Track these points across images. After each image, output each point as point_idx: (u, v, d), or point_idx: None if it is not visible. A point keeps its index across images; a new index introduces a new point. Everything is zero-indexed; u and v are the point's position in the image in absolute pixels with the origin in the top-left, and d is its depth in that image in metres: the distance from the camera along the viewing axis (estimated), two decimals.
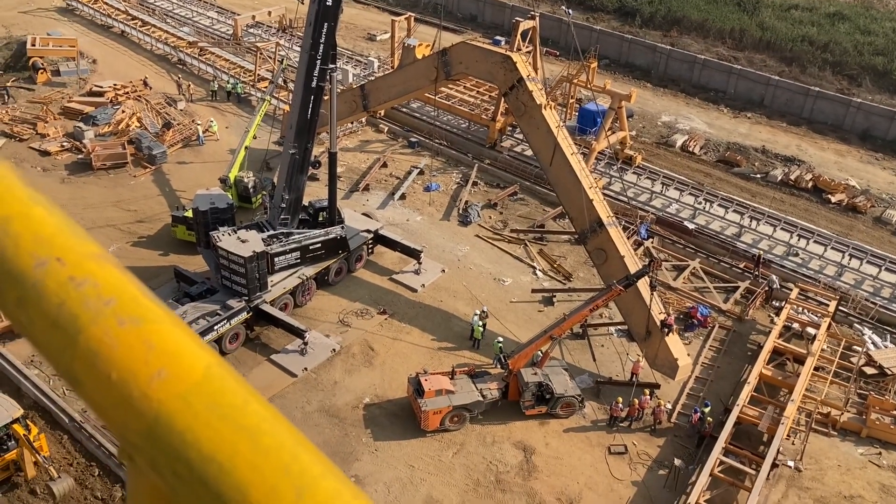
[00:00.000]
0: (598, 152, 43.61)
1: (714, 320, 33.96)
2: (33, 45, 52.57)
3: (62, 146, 43.77)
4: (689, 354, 30.52)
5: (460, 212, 40.55)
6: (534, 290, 35.19)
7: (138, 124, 46.25)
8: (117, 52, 57.73)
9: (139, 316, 1.06)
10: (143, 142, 43.42)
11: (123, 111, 46.98)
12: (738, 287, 35.93)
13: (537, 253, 37.99)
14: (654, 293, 29.17)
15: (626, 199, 39.93)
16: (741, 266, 37.29)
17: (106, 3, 64.42)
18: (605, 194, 35.36)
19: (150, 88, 51.03)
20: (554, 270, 36.91)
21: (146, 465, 1.05)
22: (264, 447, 1.01)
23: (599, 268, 31.98)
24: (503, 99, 39.70)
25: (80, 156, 42.98)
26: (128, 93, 49.70)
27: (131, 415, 1.02)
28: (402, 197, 41.66)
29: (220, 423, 1.01)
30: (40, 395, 27.52)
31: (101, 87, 49.95)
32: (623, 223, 35.83)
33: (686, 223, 40.08)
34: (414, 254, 35.56)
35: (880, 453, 28.06)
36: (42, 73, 51.44)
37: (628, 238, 33.88)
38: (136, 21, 61.62)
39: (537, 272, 36.63)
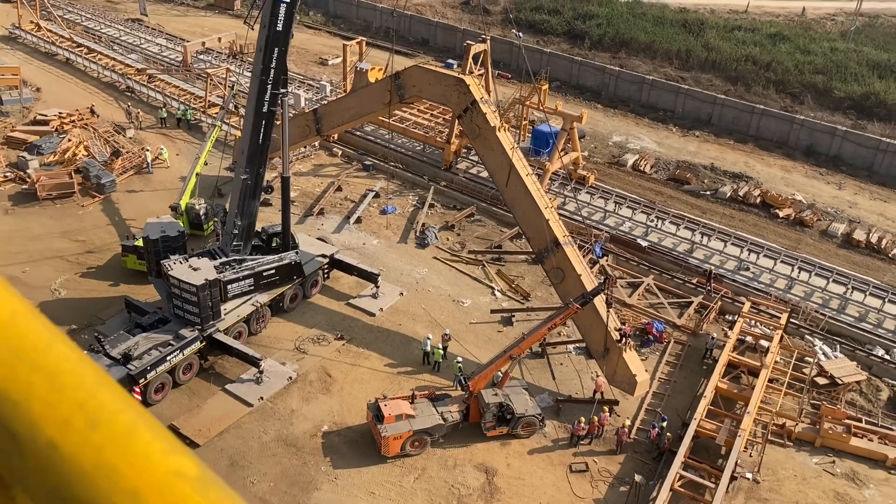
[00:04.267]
0: (553, 173, 44.04)
1: (669, 335, 34.34)
2: None
3: (5, 176, 42.59)
4: (646, 370, 30.75)
5: (417, 234, 40.47)
6: (493, 311, 35.19)
7: (86, 153, 45.30)
8: (62, 80, 56.66)
9: None
10: (91, 170, 42.52)
11: (70, 140, 46.00)
12: (692, 302, 36.41)
13: (495, 273, 38.04)
14: (611, 310, 29.39)
15: (580, 219, 40.33)
16: (694, 281, 37.84)
17: (50, 31, 63.31)
18: (560, 214, 35.68)
19: (98, 116, 50.11)
20: (512, 290, 36.98)
21: None
22: (61, 385, 1.06)
23: (557, 287, 32.15)
24: (457, 121, 39.92)
25: (24, 186, 41.87)
26: (74, 121, 48.69)
27: None
28: (358, 220, 41.44)
29: (18, 363, 1.06)
30: None
31: (46, 115, 48.88)
32: (578, 242, 36.12)
33: (639, 241, 40.61)
34: (371, 277, 35.30)
35: (834, 462, 28.53)
36: None
37: (584, 257, 34.17)
38: (82, 48, 60.63)
39: (496, 293, 36.66)
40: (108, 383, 1.12)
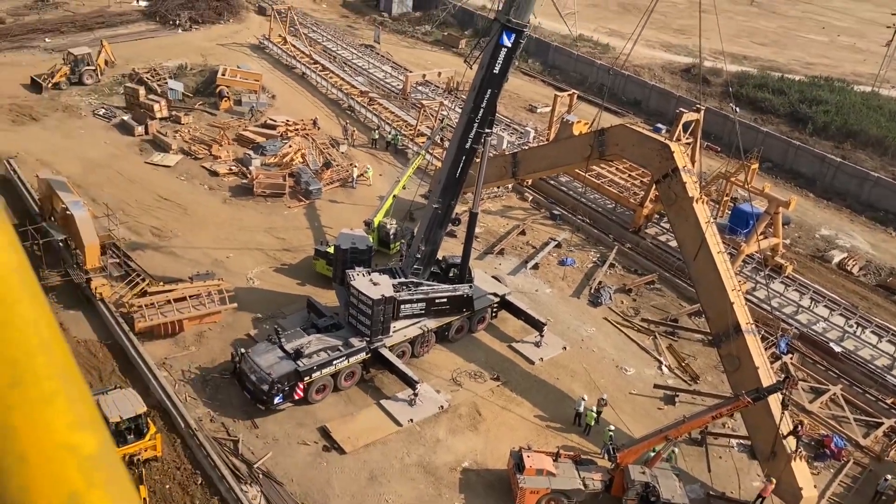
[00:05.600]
0: (747, 255, 41.85)
1: (849, 454, 31.22)
2: (223, 75, 57.29)
3: (230, 169, 47.06)
4: (815, 486, 28.14)
5: (592, 291, 39.86)
6: (656, 386, 33.81)
7: (301, 160, 49.02)
8: (295, 92, 61.83)
9: None
10: (303, 177, 45.91)
11: (290, 146, 49.99)
12: (882, 424, 32.94)
13: (666, 348, 36.58)
14: (786, 412, 27.28)
15: (769, 309, 37.92)
16: (889, 401, 34.23)
17: (294, 46, 69.46)
18: (747, 299, 33.77)
19: (319, 129, 54.14)
20: (681, 369, 35.36)
21: None
22: (4, 339, 1.10)
23: (730, 375, 30.36)
24: (654, 186, 39.11)
25: (244, 181, 46.00)
26: (297, 130, 52.91)
27: None
28: (535, 267, 41.52)
29: None
30: (164, 396, 29.03)
31: (275, 121, 53.51)
32: (762, 333, 33.95)
33: (832, 345, 37.41)
34: (537, 325, 35.18)
35: None
36: (226, 100, 55.86)
37: (766, 349, 32.02)
38: (317, 66, 65.91)
39: (663, 367, 35.22)
40: (52, 349, 1.14)
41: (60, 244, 34.69)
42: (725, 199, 46.47)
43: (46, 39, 65.39)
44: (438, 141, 49.13)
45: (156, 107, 52.14)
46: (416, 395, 30.20)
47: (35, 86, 55.15)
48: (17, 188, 42.01)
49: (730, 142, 52.30)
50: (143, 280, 34.67)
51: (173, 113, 53.25)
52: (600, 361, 35.01)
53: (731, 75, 68.10)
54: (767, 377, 28.60)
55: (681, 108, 46.75)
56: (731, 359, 29.87)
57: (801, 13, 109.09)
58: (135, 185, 44.41)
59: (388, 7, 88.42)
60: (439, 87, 65.24)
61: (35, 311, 1.17)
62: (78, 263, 34.18)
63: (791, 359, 36.13)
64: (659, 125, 55.06)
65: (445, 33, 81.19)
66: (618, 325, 37.71)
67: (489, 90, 30.49)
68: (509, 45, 29.58)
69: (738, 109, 46.34)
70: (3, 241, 1.23)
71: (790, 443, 27.43)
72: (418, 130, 54.44)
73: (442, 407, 30.61)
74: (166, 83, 56.72)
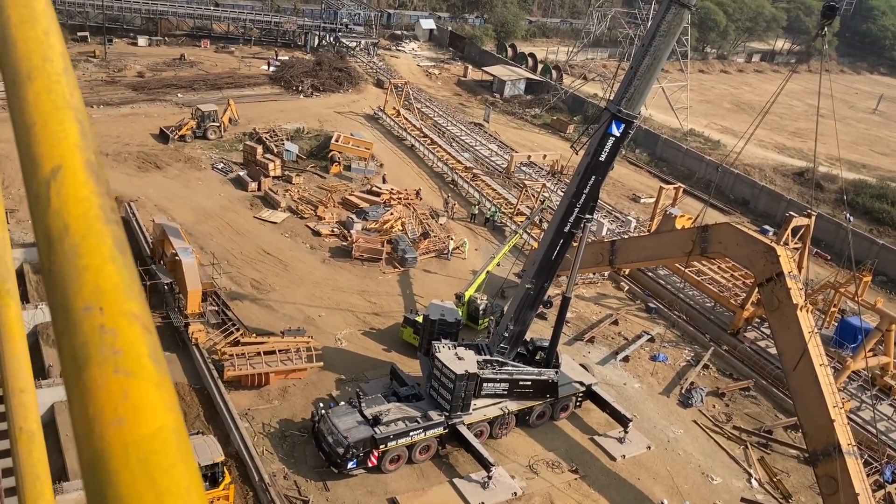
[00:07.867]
0: (853, 372, 39.48)
1: None
2: (336, 141, 59.70)
3: (332, 231, 48.48)
4: None
5: (683, 391, 38.36)
6: (743, 500, 31.86)
7: (401, 228, 50.06)
8: (402, 162, 63.67)
9: (132, 371, 1.27)
10: (400, 244, 46.79)
11: (392, 213, 51.20)
12: None
13: (757, 460, 34.57)
14: None
15: (874, 432, 35.43)
16: None
17: (406, 119, 71.90)
18: (850, 419, 31.71)
19: (421, 199, 55.33)
20: (772, 484, 33.25)
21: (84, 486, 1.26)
22: (162, 490, 1.21)
23: (826, 498, 28.33)
24: (757, 289, 37.76)
25: (344, 243, 47.24)
26: (400, 199, 54.24)
27: (86, 445, 1.23)
28: (626, 359, 40.42)
29: (139, 471, 1.21)
30: (243, 447, 29.43)
31: (380, 188, 55.08)
32: (865, 457, 31.67)
33: None
34: (622, 420, 34.01)
35: None
36: (336, 165, 58.04)
37: (868, 475, 29.78)
38: (426, 139, 67.85)
39: (752, 481, 33.22)
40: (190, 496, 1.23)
41: (166, 287, 36.31)
42: (833, 310, 44.31)
43: (179, 94, 70.18)
44: (537, 221, 49.25)
45: (270, 165, 54.67)
46: (489, 477, 29.50)
47: (163, 136, 58.99)
48: (133, 230, 44.55)
49: (841, 251, 50.20)
50: (238, 330, 35.73)
51: (286, 172, 55.65)
52: (685, 466, 33.39)
53: (847, 183, 65.85)
54: None
55: (790, 212, 45.36)
56: (829, 481, 27.92)
57: None
58: (242, 237, 46.32)
59: (501, 89, 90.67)
60: (543, 169, 65.80)
61: (188, 479, 1.24)
62: (179, 307, 35.61)
63: None
64: (766, 227, 53.57)
65: (554, 117, 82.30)
66: (707, 430, 35.99)
67: (593, 176, 30.43)
68: (618, 135, 29.59)
69: (851, 218, 44.57)
70: (167, 402, 1.29)
71: None
72: (518, 209, 54.81)
73: (515, 493, 29.74)
74: (283, 144, 59.52)
